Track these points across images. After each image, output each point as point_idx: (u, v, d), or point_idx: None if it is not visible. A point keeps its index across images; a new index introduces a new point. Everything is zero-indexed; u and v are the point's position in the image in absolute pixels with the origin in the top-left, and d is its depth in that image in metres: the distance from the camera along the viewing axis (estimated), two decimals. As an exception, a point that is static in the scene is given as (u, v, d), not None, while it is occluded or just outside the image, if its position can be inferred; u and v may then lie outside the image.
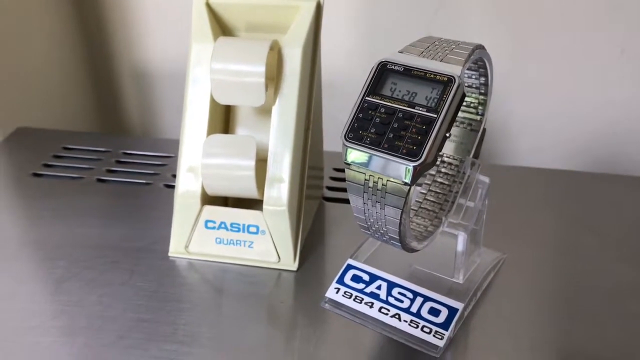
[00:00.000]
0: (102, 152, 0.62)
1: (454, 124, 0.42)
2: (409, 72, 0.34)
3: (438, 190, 0.42)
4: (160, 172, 0.58)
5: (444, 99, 0.33)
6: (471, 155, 0.41)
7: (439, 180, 0.42)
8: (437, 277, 0.42)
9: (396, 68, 0.35)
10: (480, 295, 0.43)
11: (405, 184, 0.33)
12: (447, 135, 0.33)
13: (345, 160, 0.34)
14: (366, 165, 0.34)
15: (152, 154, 0.61)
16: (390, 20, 0.68)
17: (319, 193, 0.53)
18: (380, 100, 0.34)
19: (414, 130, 0.33)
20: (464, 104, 0.41)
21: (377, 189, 0.34)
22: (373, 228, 0.37)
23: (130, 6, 0.74)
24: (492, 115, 0.69)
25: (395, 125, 0.33)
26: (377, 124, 0.34)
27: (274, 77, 0.44)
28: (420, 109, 0.33)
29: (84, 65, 0.79)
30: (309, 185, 0.48)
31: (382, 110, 0.34)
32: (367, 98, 0.35)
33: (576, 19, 0.63)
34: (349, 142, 0.34)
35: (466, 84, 0.41)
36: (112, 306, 0.43)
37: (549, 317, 0.42)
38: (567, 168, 0.66)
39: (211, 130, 0.45)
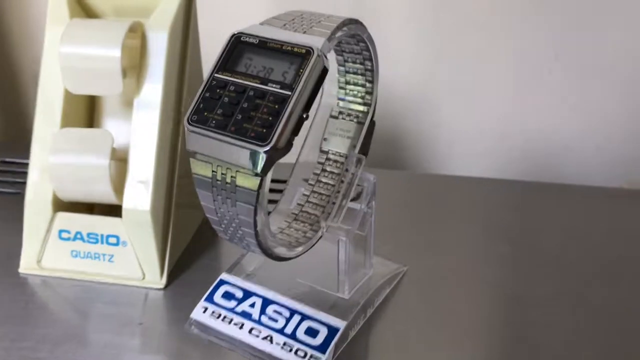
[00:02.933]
0: (-25, 160, 0.56)
1: (340, 116, 0.37)
2: (264, 45, 0.29)
3: (322, 192, 0.36)
4: (32, 180, 0.51)
5: (300, 73, 0.28)
6: (356, 151, 0.36)
7: (324, 180, 0.37)
8: (321, 292, 0.36)
9: (251, 40, 0.30)
10: (372, 312, 0.37)
11: (256, 174, 0.28)
12: (305, 116, 0.28)
13: (188, 148, 0.29)
14: (211, 153, 0.28)
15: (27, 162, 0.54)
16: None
17: (206, 202, 0.47)
18: (231, 77, 0.29)
19: (265, 110, 0.28)
20: (350, 93, 0.37)
21: (227, 183, 0.29)
22: (229, 231, 0.31)
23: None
24: (423, 123, 0.65)
25: (245, 105, 0.28)
26: (225, 104, 0.28)
27: (136, 64, 0.38)
28: (274, 85, 0.28)
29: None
30: (187, 191, 0.42)
31: (232, 88, 0.29)
32: (216, 75, 0.29)
33: (510, 22, 0.59)
34: (192, 125, 0.29)
35: (350, 71, 0.36)
36: (-62, 333, 0.36)
37: (450, 337, 0.36)
38: (501, 177, 0.61)
39: (67, 125, 0.39)
